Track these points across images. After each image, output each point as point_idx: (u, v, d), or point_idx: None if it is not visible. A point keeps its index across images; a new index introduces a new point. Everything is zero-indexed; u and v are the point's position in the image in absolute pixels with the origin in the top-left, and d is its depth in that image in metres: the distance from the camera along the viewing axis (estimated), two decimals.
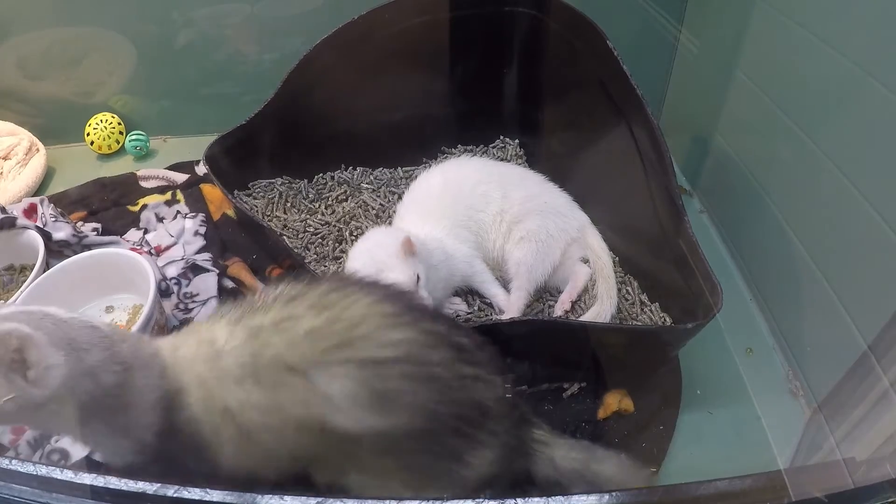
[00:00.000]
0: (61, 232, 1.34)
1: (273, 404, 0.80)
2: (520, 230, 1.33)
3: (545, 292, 1.36)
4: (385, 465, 0.82)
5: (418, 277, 1.12)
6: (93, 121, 1.77)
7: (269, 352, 0.81)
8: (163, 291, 1.31)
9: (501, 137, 1.72)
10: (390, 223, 1.43)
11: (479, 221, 1.35)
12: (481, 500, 0.68)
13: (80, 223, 1.49)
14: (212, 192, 1.59)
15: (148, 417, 0.80)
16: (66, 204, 1.58)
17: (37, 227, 1.32)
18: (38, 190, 1.68)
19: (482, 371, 0.86)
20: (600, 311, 1.27)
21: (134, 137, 1.77)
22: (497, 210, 1.35)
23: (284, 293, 0.86)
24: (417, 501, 0.68)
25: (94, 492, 0.69)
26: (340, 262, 1.41)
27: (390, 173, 1.66)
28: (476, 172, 1.39)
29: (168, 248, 1.44)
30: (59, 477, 0.70)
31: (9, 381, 0.72)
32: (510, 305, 1.28)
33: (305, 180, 1.63)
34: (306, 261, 1.38)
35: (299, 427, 0.80)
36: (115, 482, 0.69)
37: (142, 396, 0.80)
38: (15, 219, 1.32)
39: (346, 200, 1.59)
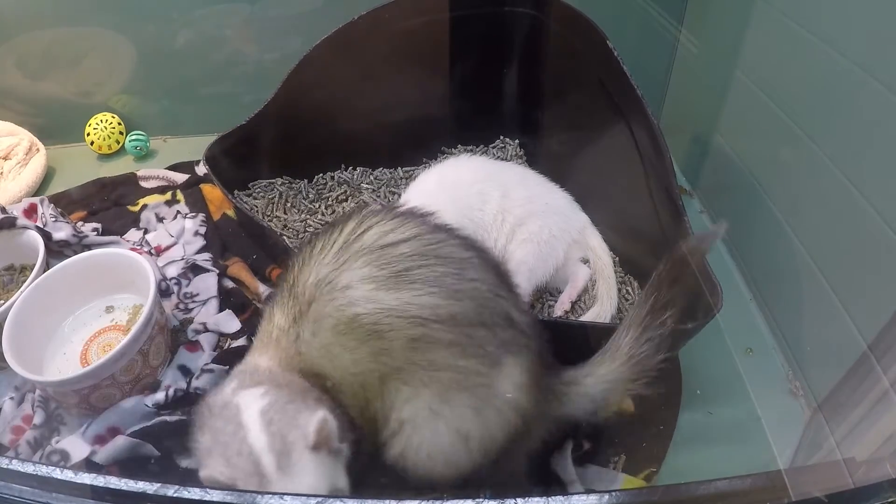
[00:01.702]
0: (61, 232, 1.34)
1: (316, 324, 0.85)
2: (523, 232, 1.33)
3: (545, 292, 1.36)
4: (416, 364, 0.83)
5: None
6: (93, 121, 1.77)
7: (299, 288, 0.87)
8: (163, 291, 1.31)
9: (501, 137, 1.72)
10: None
11: (478, 221, 1.35)
12: (481, 500, 0.68)
13: (80, 223, 1.49)
14: (212, 192, 1.59)
15: None
16: (66, 204, 1.58)
17: (37, 227, 1.32)
18: (38, 190, 1.68)
19: (502, 291, 0.89)
20: (600, 312, 1.27)
21: (134, 137, 1.77)
22: (497, 209, 1.35)
23: (304, 250, 0.93)
24: (417, 501, 0.68)
25: (95, 491, 0.69)
26: None
27: (390, 173, 1.66)
28: (473, 172, 1.39)
29: (168, 248, 1.44)
30: (59, 477, 0.70)
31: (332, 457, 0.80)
32: None
33: (305, 180, 1.63)
34: None
35: (339, 335, 0.84)
36: (115, 482, 0.69)
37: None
38: (15, 219, 1.32)
39: (346, 200, 1.59)
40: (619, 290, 1.33)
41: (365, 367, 0.84)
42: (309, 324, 0.86)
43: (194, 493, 0.69)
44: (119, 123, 1.79)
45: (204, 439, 0.82)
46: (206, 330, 1.25)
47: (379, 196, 1.58)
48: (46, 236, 1.31)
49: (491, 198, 1.36)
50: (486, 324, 0.85)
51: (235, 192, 1.54)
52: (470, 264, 0.87)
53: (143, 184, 1.67)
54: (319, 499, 0.67)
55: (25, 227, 1.32)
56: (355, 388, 0.86)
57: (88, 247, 1.37)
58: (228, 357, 1.19)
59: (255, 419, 0.79)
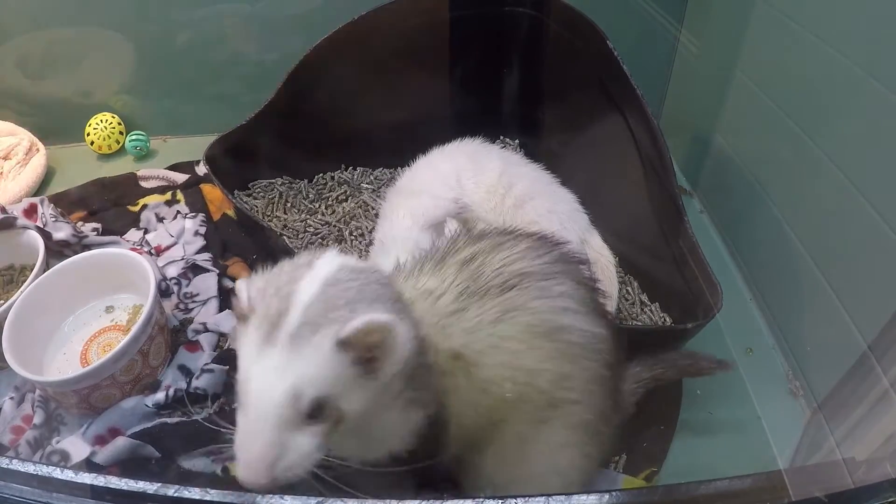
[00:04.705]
0: (61, 232, 1.34)
1: (513, 311, 0.78)
2: (529, 211, 1.34)
3: None
4: (582, 403, 0.80)
5: None
6: (93, 121, 1.77)
7: (488, 269, 0.79)
8: (163, 291, 1.31)
9: (501, 137, 1.72)
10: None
11: (470, 192, 1.38)
12: (481, 499, 0.68)
13: (80, 223, 1.49)
14: (212, 192, 1.58)
15: (431, 380, 0.76)
16: (66, 204, 1.57)
17: (37, 227, 1.31)
18: (39, 190, 1.68)
19: None
20: None
21: (134, 137, 1.77)
22: (494, 182, 1.37)
23: (489, 232, 0.88)
24: (417, 501, 0.68)
25: (95, 491, 0.69)
26: None
27: (390, 173, 1.66)
28: (477, 147, 1.45)
29: (168, 248, 1.44)
30: (59, 477, 0.70)
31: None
32: None
33: (305, 180, 1.63)
34: None
35: (536, 337, 0.78)
36: (115, 482, 0.69)
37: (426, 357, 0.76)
38: (15, 219, 1.32)
39: (346, 200, 1.59)
40: (619, 289, 1.33)
41: (528, 379, 0.78)
42: (493, 309, 0.77)
43: (194, 492, 0.69)
44: (119, 123, 1.79)
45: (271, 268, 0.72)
46: (206, 330, 1.25)
47: (379, 196, 1.58)
48: (46, 236, 1.31)
49: (489, 170, 1.38)
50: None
51: (235, 192, 1.54)
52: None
53: (143, 184, 1.67)
54: (320, 499, 0.67)
55: (25, 227, 1.32)
56: (491, 399, 0.78)
57: (88, 247, 1.37)
58: (228, 357, 1.19)
59: (325, 272, 0.67)
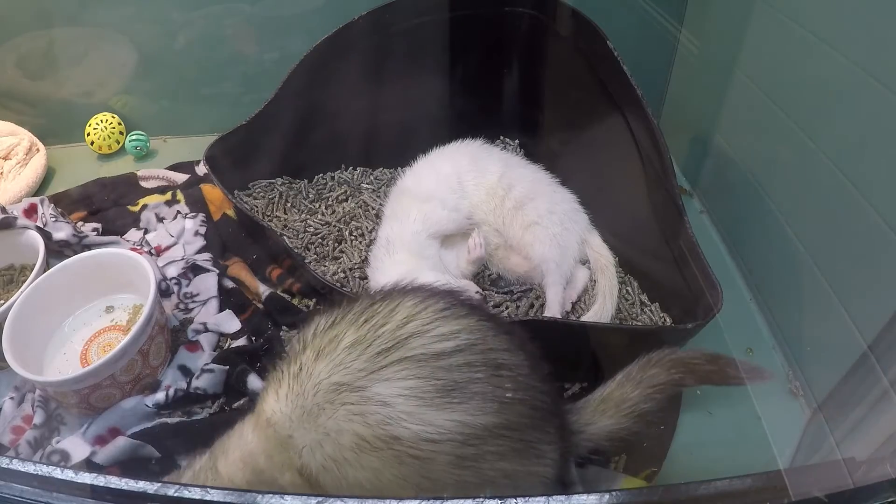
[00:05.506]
0: (61, 232, 1.35)
1: (326, 436, 0.72)
2: (530, 212, 1.33)
3: (545, 292, 1.36)
4: (465, 480, 0.72)
5: None
6: (93, 121, 1.77)
7: (310, 383, 0.74)
8: (163, 291, 1.31)
9: (501, 138, 1.72)
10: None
11: (471, 195, 1.38)
12: (481, 499, 0.68)
13: (80, 223, 1.49)
14: (212, 192, 1.59)
15: None
16: (66, 204, 1.58)
17: (37, 227, 1.32)
18: (39, 190, 1.68)
19: (532, 363, 0.82)
20: (601, 312, 1.27)
21: (134, 137, 1.77)
22: (495, 184, 1.38)
23: (320, 327, 0.80)
24: (417, 501, 0.68)
25: (95, 491, 0.69)
26: (340, 262, 1.41)
27: (390, 173, 1.66)
28: (478, 149, 1.45)
29: (168, 248, 1.44)
30: (59, 477, 0.70)
31: None
32: (549, 304, 1.27)
33: (305, 180, 1.63)
34: (306, 261, 1.38)
35: (360, 453, 0.71)
36: (115, 482, 0.69)
37: None
38: (15, 219, 1.32)
39: (346, 200, 1.59)
40: (619, 289, 1.33)
41: (385, 487, 0.72)
42: (314, 431, 0.72)
43: (194, 492, 0.69)
44: (119, 123, 1.79)
45: None
46: (206, 330, 1.25)
47: (379, 196, 1.58)
48: (46, 236, 1.31)
49: (489, 172, 1.38)
50: (538, 426, 0.79)
51: (235, 192, 1.54)
52: (522, 368, 0.79)
53: (143, 184, 1.67)
54: (319, 498, 0.67)
55: (25, 227, 1.32)
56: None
57: (88, 247, 1.37)
58: (228, 357, 1.20)
59: None
